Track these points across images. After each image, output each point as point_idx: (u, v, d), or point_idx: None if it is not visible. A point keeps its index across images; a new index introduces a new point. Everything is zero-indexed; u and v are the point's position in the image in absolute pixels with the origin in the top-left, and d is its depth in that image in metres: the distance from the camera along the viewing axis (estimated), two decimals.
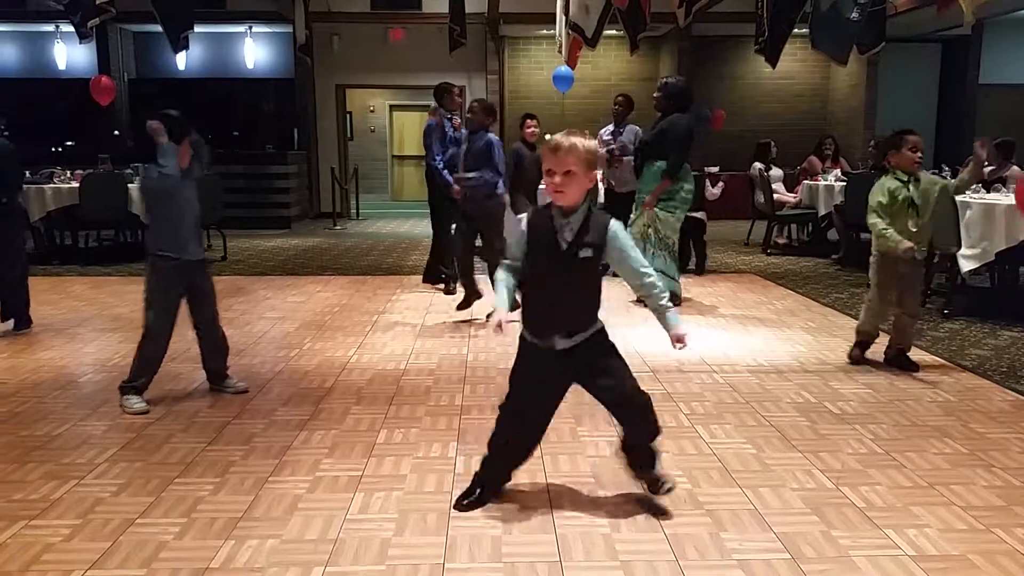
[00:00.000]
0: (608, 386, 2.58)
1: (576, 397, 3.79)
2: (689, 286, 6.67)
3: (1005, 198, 5.51)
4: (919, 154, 4.06)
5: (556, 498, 2.75)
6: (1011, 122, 10.71)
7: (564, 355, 2.55)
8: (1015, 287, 6.39)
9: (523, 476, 2.91)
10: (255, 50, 12.84)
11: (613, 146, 7.05)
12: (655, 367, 4.36)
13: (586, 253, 2.47)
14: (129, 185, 7.90)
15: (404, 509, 2.67)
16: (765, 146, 9.35)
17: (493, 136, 5.51)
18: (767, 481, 2.88)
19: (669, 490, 2.64)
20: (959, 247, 5.51)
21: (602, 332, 2.61)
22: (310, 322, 5.46)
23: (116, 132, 12.24)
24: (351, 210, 12.93)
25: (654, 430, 2.63)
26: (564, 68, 10.49)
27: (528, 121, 6.78)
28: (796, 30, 6.98)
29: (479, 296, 5.50)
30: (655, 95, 5.86)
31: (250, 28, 12.59)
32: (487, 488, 2.73)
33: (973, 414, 3.60)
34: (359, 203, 13.03)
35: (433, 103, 6.47)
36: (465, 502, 2.68)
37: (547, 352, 2.55)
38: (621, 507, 2.68)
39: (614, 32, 9.75)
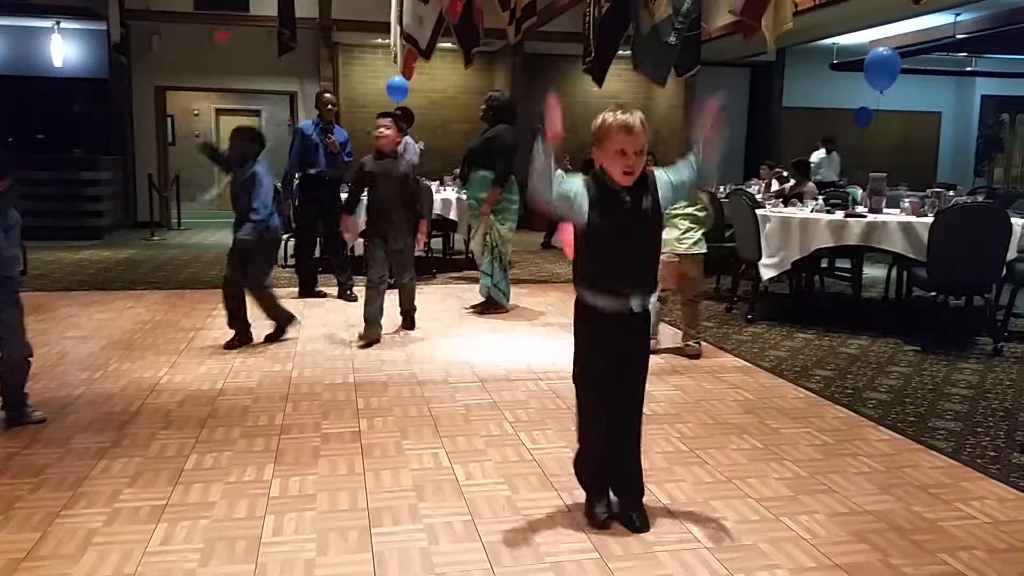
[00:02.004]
0: (633, 377, 2.62)
1: (403, 410, 3.80)
2: (521, 296, 6.81)
3: (800, 212, 6.04)
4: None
5: (375, 515, 2.70)
6: (811, 141, 11.77)
7: (638, 318, 2.54)
8: (810, 293, 7.02)
9: (343, 494, 2.85)
10: (64, 47, 11.85)
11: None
12: (483, 376, 4.41)
13: (648, 203, 2.50)
14: None
15: (211, 538, 2.53)
16: (591, 161, 9.71)
17: (260, 167, 4.89)
18: None
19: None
20: (760, 257, 5.97)
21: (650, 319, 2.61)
22: (118, 341, 5.08)
23: None
24: (172, 220, 12.20)
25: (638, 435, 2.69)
26: (398, 78, 10.45)
27: (380, 122, 5.23)
28: (620, 52, 7.33)
29: (250, 338, 5.04)
30: (481, 108, 6.15)
31: (58, 23, 11.61)
32: (599, 489, 2.66)
33: (769, 411, 3.91)
34: (180, 212, 12.32)
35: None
36: (604, 517, 2.60)
37: (621, 317, 2.52)
38: (441, 519, 2.68)
39: (450, 45, 9.83)
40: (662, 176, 2.58)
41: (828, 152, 11.52)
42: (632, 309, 2.53)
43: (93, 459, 3.15)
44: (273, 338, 5.09)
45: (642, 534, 2.58)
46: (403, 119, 7.22)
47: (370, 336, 5.14)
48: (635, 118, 2.47)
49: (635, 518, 2.62)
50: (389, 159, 5.18)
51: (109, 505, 2.75)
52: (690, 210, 4.93)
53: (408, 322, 5.55)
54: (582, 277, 2.61)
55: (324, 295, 6.74)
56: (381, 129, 5.16)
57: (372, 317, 5.15)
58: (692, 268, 4.91)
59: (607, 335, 2.58)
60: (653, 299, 2.60)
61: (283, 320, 5.14)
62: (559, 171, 2.48)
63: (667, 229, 4.93)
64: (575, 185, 2.51)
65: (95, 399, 3.92)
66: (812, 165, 10.58)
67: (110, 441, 3.35)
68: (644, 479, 2.72)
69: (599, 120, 2.53)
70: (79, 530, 2.57)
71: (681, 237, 4.89)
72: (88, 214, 10.82)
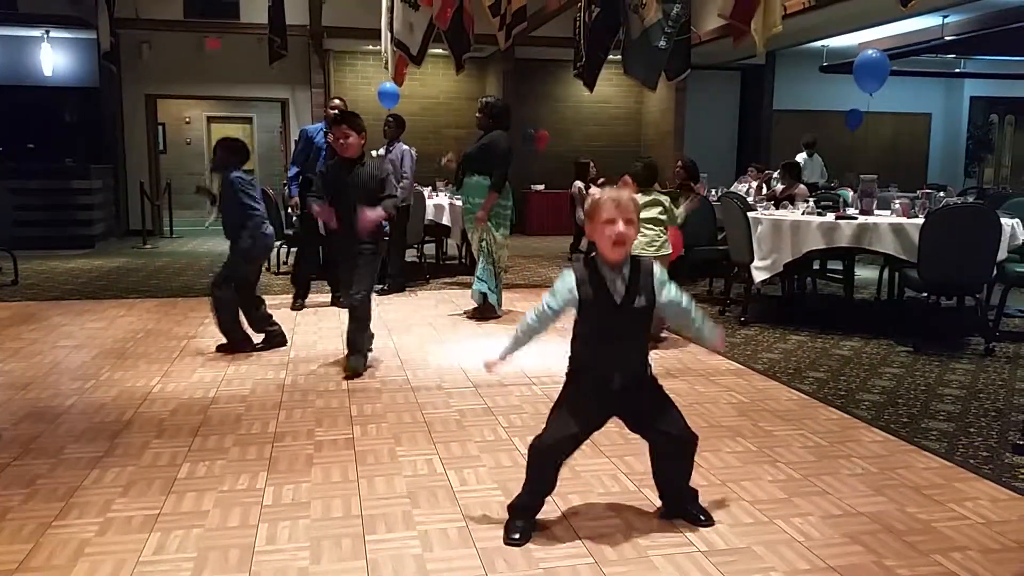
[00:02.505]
0: (665, 430, 2.63)
1: (396, 416, 3.79)
2: (514, 301, 6.81)
3: (792, 214, 6.06)
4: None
5: (369, 522, 2.70)
6: (800, 144, 11.80)
7: (620, 390, 2.58)
8: (802, 295, 7.03)
9: (337, 502, 2.85)
10: (53, 56, 11.84)
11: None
12: (477, 382, 4.41)
13: (641, 302, 2.52)
14: None
15: (204, 547, 2.52)
16: (584, 166, 9.76)
17: (235, 174, 4.86)
18: (576, 488, 2.98)
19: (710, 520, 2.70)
20: (752, 260, 5.98)
21: (652, 374, 2.67)
22: (110, 350, 5.06)
23: None
24: (163, 227, 12.17)
25: (691, 468, 2.72)
26: (389, 84, 10.47)
27: (340, 130, 4.58)
28: (611, 56, 7.35)
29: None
30: (477, 114, 6.13)
31: (47, 32, 11.59)
32: (529, 516, 2.64)
33: (763, 413, 3.91)
34: (172, 220, 12.30)
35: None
36: (516, 537, 2.56)
37: (604, 382, 2.56)
38: (435, 526, 2.67)
39: (441, 51, 9.85)
40: (661, 278, 2.58)
41: (810, 155, 11.57)
42: (615, 387, 2.57)
43: (85, 469, 3.13)
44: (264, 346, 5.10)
45: (640, 540, 2.59)
46: (395, 126, 7.24)
47: (355, 368, 4.54)
48: (624, 194, 2.54)
49: (699, 514, 2.70)
50: (358, 165, 4.57)
51: (102, 515, 2.73)
52: (654, 213, 5.10)
53: (355, 361, 4.54)
54: (573, 343, 2.66)
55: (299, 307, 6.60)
56: (342, 139, 4.51)
57: (361, 346, 4.64)
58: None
59: (594, 401, 2.61)
60: (646, 369, 2.64)
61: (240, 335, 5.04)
62: (543, 305, 2.60)
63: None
64: (565, 285, 2.55)
65: (87, 409, 3.90)
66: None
67: (102, 451, 3.33)
68: (691, 489, 2.76)
69: (589, 199, 2.61)
70: (71, 540, 2.55)
71: (647, 245, 5.03)
72: (79, 223, 10.79)
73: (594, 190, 8.06)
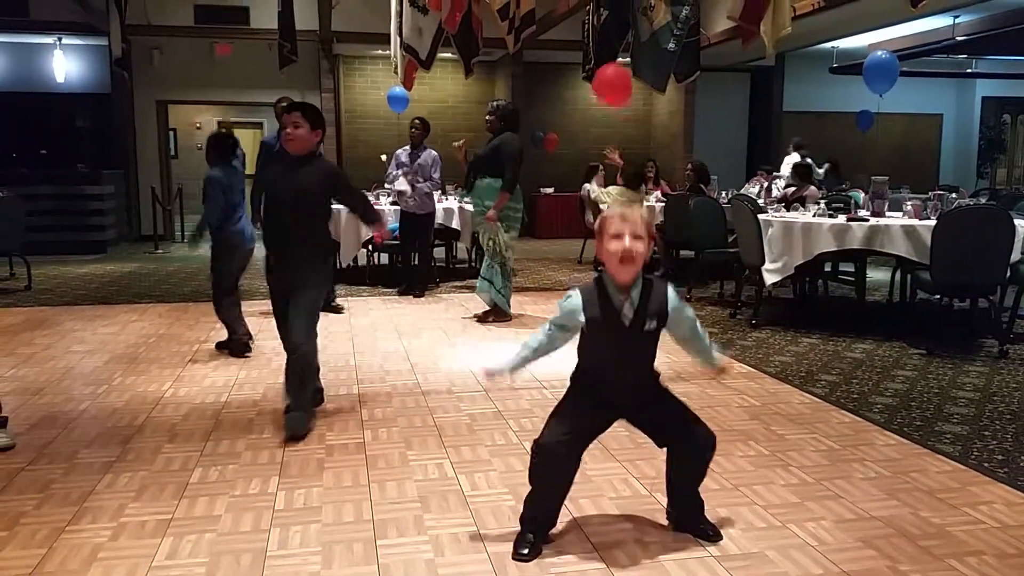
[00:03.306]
0: (680, 435, 2.57)
1: (407, 420, 3.79)
2: (524, 304, 6.81)
3: (803, 217, 6.03)
4: None
5: (380, 527, 2.70)
6: (810, 145, 11.76)
7: (628, 404, 2.55)
8: (813, 298, 7.00)
9: (348, 506, 2.85)
10: (66, 63, 11.93)
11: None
12: (487, 386, 4.39)
13: (651, 326, 2.43)
14: None
15: (217, 551, 2.52)
16: (594, 168, 9.74)
17: (212, 172, 4.92)
18: (587, 492, 2.97)
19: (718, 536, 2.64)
20: (763, 262, 5.96)
21: (663, 387, 2.62)
22: (122, 355, 5.09)
23: None
24: (175, 232, 12.23)
25: (703, 474, 2.64)
26: (399, 89, 10.49)
27: (289, 117, 3.62)
28: (620, 59, 7.34)
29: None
30: (488, 117, 6.14)
31: (59, 39, 11.68)
32: (539, 530, 2.56)
33: (775, 417, 3.89)
34: (184, 225, 12.36)
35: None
36: (524, 552, 2.48)
37: (609, 394, 2.53)
38: (446, 530, 2.67)
39: (450, 55, 9.87)
40: (683, 309, 2.50)
41: (803, 157, 11.49)
42: (621, 403, 2.54)
43: (98, 474, 3.15)
44: (222, 346, 5.14)
45: (652, 546, 2.57)
46: (422, 129, 7.30)
47: (294, 430, 3.54)
48: (633, 209, 2.45)
49: (708, 530, 2.64)
50: (304, 165, 3.65)
51: (115, 520, 2.74)
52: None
53: (294, 421, 3.57)
54: (580, 354, 2.59)
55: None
56: (290, 127, 3.59)
57: (304, 402, 3.68)
58: None
59: (598, 406, 2.56)
60: (655, 383, 2.59)
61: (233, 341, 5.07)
62: (550, 326, 2.52)
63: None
64: (571, 308, 2.46)
65: (100, 413, 3.92)
66: (782, 169, 10.64)
67: (115, 455, 3.35)
68: (699, 498, 2.69)
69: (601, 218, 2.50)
70: (85, 545, 2.56)
71: None
72: (92, 228, 10.87)
73: (592, 186, 8.37)
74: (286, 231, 3.64)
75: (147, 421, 3.80)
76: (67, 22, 11.11)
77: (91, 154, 12.00)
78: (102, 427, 3.71)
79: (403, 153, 7.38)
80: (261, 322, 6.05)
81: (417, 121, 7.36)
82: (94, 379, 4.53)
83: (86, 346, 5.33)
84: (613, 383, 2.52)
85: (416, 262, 7.66)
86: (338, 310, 6.54)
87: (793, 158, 11.38)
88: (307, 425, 3.64)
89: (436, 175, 7.31)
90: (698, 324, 2.59)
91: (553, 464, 2.50)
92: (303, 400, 3.67)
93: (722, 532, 2.66)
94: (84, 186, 10.92)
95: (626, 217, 2.40)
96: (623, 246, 2.36)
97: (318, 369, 3.90)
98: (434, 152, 7.34)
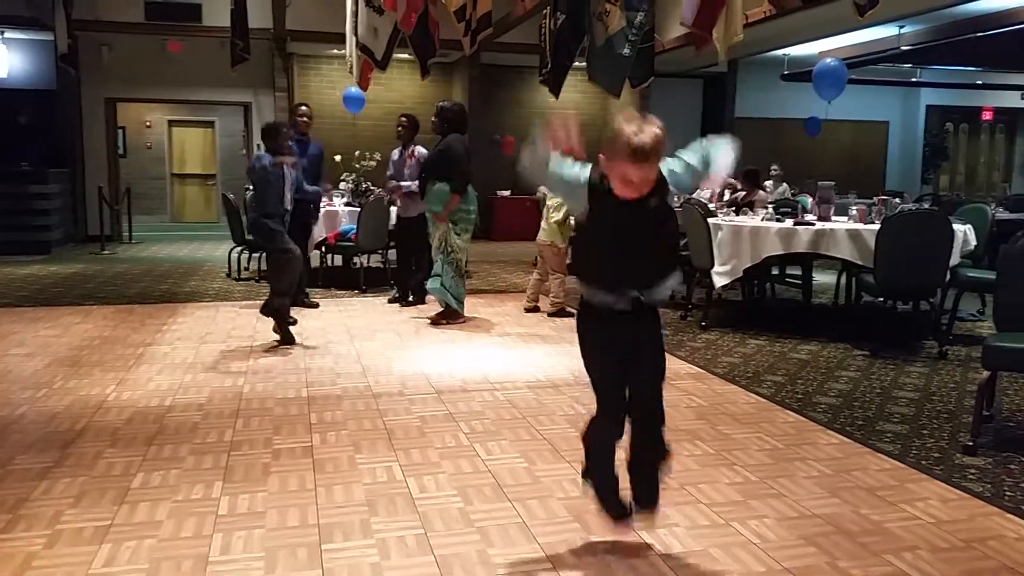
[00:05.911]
0: (642, 380, 2.46)
1: (356, 424, 3.76)
2: (477, 306, 6.81)
3: (750, 221, 6.14)
4: None
5: (326, 531, 2.67)
6: (761, 151, 11.97)
7: (640, 318, 2.41)
8: (761, 300, 7.12)
9: (293, 511, 2.81)
10: (9, 57, 11.58)
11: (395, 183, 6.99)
12: (439, 388, 4.39)
13: (654, 203, 2.31)
14: None
15: (157, 558, 2.47)
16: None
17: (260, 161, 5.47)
18: (536, 493, 2.98)
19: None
20: (713, 265, 6.04)
21: (659, 318, 2.49)
22: (64, 358, 4.95)
23: None
24: (123, 233, 11.95)
25: (663, 451, 2.54)
26: (354, 89, 10.41)
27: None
28: (577, 63, 7.38)
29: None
30: (432, 119, 6.11)
31: (2, 33, 11.34)
32: (603, 488, 2.55)
33: (721, 417, 3.95)
34: (132, 225, 12.09)
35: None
36: (615, 515, 2.55)
37: (611, 314, 2.39)
38: (393, 534, 2.66)
39: (407, 56, 9.81)
40: (666, 167, 2.37)
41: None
42: (626, 307, 2.37)
43: (35, 480, 3.06)
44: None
45: (598, 545, 2.59)
46: (410, 127, 6.94)
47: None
48: (649, 139, 2.21)
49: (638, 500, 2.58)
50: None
51: (50, 527, 2.67)
52: (563, 213, 6.06)
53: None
54: (578, 270, 2.53)
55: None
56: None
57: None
58: None
59: (603, 334, 2.46)
60: (662, 293, 2.43)
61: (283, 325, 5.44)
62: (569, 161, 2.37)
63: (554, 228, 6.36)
64: (583, 175, 2.34)
65: (38, 418, 3.81)
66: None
67: (53, 461, 3.26)
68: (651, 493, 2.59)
69: (616, 127, 2.27)
70: (18, 554, 2.49)
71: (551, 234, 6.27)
72: (36, 228, 10.57)
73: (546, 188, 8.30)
74: None
75: (88, 425, 3.71)
76: (11, 16, 10.78)
77: (36, 152, 11.65)
78: (40, 432, 3.61)
79: (396, 153, 7.12)
80: (208, 326, 5.98)
81: (403, 118, 7.01)
82: (33, 383, 4.40)
83: (26, 349, 5.18)
84: (615, 279, 2.37)
85: (415, 267, 7.14)
86: (313, 305, 6.74)
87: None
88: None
89: None
90: (684, 153, 2.42)
91: (602, 450, 2.54)
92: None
93: (667, 531, 2.69)
94: (28, 185, 10.61)
95: (645, 158, 2.22)
96: (634, 189, 2.27)
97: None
98: (424, 150, 6.92)
